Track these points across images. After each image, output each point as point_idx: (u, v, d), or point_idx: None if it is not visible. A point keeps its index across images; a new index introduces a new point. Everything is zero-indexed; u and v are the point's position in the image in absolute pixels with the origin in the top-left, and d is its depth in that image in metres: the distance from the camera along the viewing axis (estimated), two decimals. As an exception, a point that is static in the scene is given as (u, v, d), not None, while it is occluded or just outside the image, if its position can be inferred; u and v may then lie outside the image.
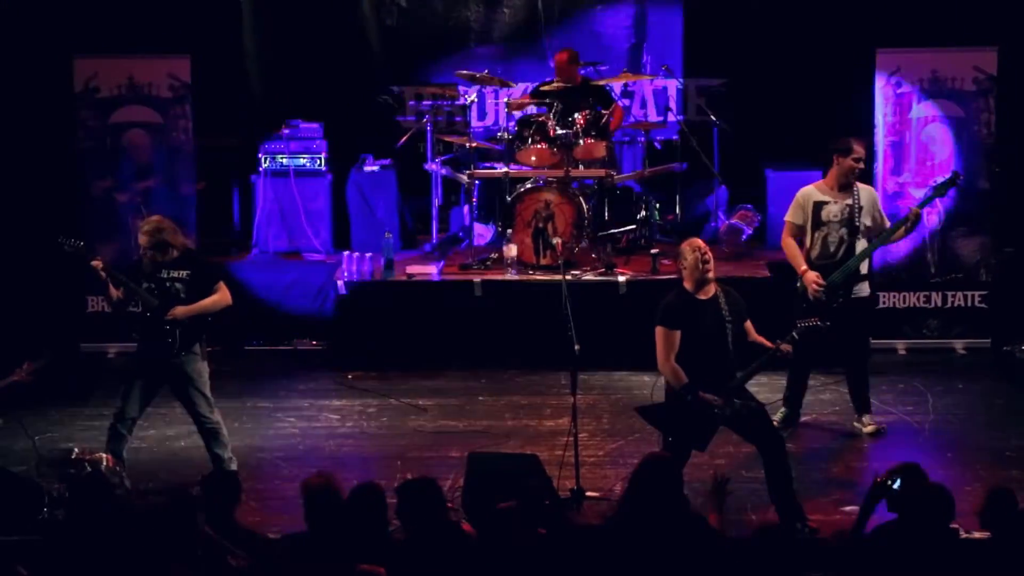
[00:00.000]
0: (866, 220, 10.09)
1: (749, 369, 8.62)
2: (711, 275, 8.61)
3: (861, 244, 10.10)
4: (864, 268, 10.22)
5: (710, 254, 8.68)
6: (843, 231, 10.09)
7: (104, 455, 9.04)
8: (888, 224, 10.22)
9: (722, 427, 8.71)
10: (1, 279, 12.58)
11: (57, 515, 8.62)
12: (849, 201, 10.06)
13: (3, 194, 12.76)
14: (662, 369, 8.60)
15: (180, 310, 9.18)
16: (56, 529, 7.87)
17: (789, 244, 10.23)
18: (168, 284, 9.23)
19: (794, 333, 8.71)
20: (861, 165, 10.16)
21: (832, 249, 10.10)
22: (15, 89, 12.73)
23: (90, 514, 6.94)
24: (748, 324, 8.78)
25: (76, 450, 9.09)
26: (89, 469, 8.84)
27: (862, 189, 10.16)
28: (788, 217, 10.22)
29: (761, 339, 8.78)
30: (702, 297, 8.61)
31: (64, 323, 12.78)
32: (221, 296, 9.35)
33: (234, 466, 9.44)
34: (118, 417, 9.31)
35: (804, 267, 10.12)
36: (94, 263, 9.17)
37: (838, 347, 10.31)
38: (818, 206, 10.12)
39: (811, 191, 10.20)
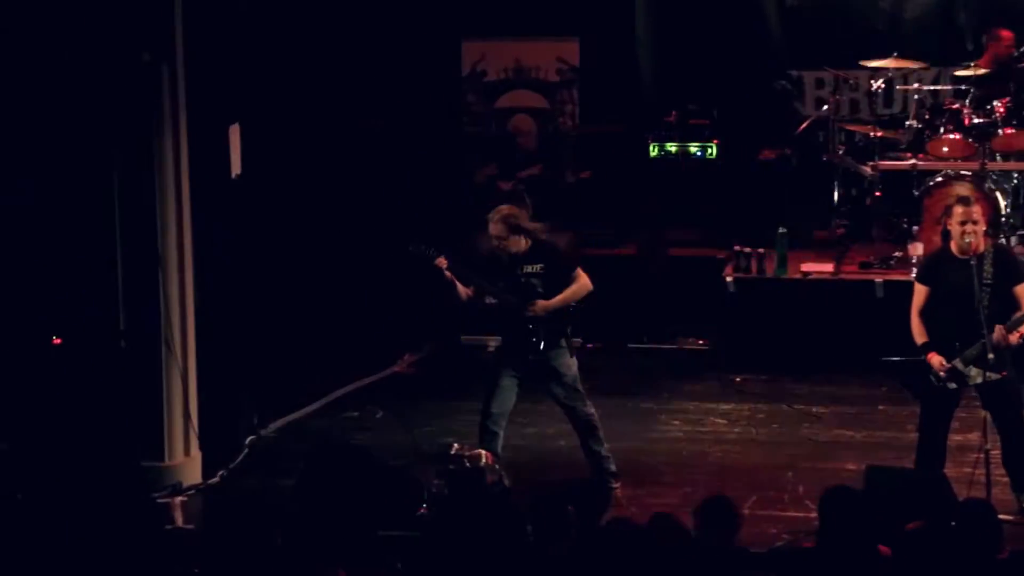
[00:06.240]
0: None
1: (979, 343, 8.43)
2: (972, 242, 8.49)
3: None
4: None
5: (976, 220, 8.52)
6: None
7: (483, 451, 9.00)
8: None
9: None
10: (386, 270, 12.65)
11: (434, 512, 8.64)
12: None
13: (392, 179, 12.87)
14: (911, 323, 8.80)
15: (540, 305, 8.97)
16: (431, 525, 7.89)
17: None
18: (523, 280, 9.04)
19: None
20: None
21: None
22: (404, 72, 12.91)
23: (465, 510, 6.92)
24: (1020, 289, 8.60)
25: (455, 445, 9.06)
26: (468, 465, 8.88)
27: None
28: None
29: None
30: (960, 255, 8.55)
31: (445, 315, 12.74)
32: (580, 284, 9.08)
33: (612, 465, 9.28)
34: (485, 415, 9.20)
35: None
36: (438, 262, 9.03)
37: None
38: None
39: None
